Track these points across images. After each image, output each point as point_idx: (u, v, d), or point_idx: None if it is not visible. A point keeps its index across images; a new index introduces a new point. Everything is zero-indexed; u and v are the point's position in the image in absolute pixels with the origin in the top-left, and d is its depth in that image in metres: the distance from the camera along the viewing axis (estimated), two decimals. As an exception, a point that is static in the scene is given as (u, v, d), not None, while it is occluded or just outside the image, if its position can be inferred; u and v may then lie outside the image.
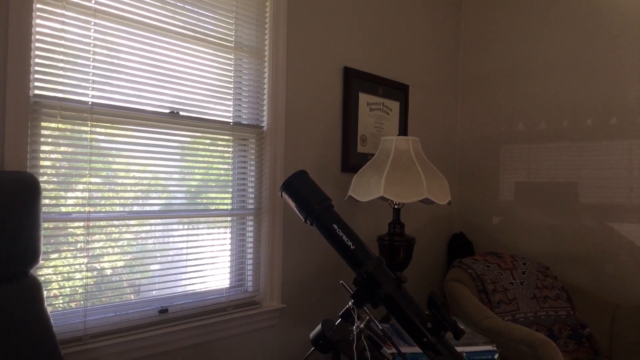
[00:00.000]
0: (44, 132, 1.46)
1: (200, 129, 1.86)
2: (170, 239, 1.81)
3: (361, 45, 2.54)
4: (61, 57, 1.48)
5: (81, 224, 1.55)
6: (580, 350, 2.36)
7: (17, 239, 1.18)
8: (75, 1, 1.51)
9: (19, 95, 1.37)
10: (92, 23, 1.55)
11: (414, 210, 2.93)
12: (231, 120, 1.99)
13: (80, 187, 1.54)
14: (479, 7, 3.24)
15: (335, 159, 2.40)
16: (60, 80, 1.48)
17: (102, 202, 1.60)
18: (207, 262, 1.92)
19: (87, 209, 1.55)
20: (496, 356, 1.73)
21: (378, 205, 2.66)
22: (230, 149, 1.99)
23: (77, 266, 1.54)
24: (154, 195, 1.74)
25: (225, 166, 1.98)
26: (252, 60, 2.06)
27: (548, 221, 2.88)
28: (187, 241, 1.85)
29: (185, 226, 1.85)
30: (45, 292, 1.27)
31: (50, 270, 1.48)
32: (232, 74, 1.98)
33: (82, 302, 1.55)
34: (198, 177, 1.88)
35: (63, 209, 1.51)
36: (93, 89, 1.56)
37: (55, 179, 1.49)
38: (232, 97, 1.99)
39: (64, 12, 1.48)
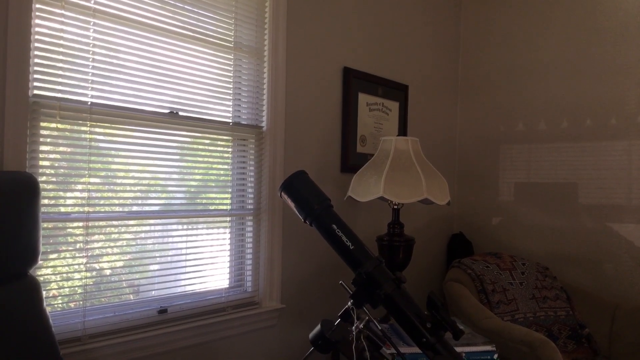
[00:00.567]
0: (43, 132, 1.46)
1: (199, 129, 1.86)
2: (170, 239, 1.81)
3: (361, 46, 2.54)
4: (60, 57, 1.48)
5: (80, 224, 1.54)
6: (579, 351, 2.36)
7: (16, 239, 1.18)
8: (74, 1, 1.50)
9: (18, 95, 1.37)
10: (92, 23, 1.55)
11: (413, 210, 2.93)
12: (230, 121, 1.99)
13: (80, 187, 1.54)
14: (479, 8, 3.24)
15: (335, 159, 2.40)
16: (60, 80, 1.48)
17: (102, 202, 1.60)
18: (206, 262, 1.92)
19: (86, 209, 1.55)
20: (495, 356, 1.73)
21: (377, 205, 2.66)
22: (230, 149, 1.99)
23: (76, 266, 1.53)
24: (153, 195, 1.74)
25: (225, 166, 1.98)
26: (251, 61, 2.06)
27: (547, 221, 2.88)
28: (186, 241, 1.85)
29: (185, 226, 1.85)
30: (44, 292, 1.27)
31: (49, 271, 1.48)
32: (232, 74, 1.98)
33: (81, 302, 1.55)
34: (197, 177, 1.88)
35: (62, 209, 1.51)
36: (92, 89, 1.56)
37: (54, 179, 1.49)
38: (231, 97, 1.99)
39: (63, 12, 1.48)
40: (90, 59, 1.55)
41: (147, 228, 1.73)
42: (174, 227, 1.81)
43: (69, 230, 1.53)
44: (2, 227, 1.15)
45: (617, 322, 2.39)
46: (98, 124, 1.58)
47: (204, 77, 1.88)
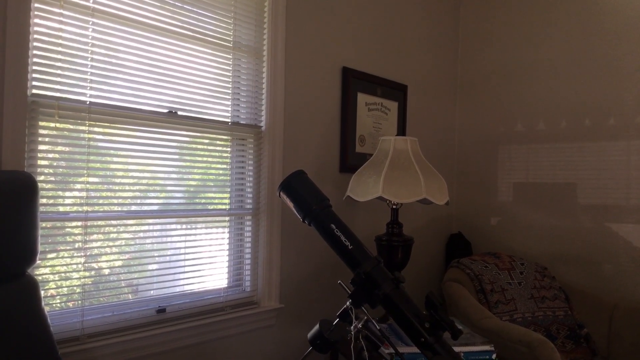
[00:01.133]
0: (41, 131, 1.45)
1: (198, 128, 1.86)
2: (168, 239, 1.81)
3: (360, 46, 2.54)
4: (59, 56, 1.48)
5: (79, 223, 1.54)
6: (578, 351, 2.36)
7: (14, 238, 1.17)
8: (73, 0, 1.50)
9: (16, 95, 1.37)
10: (90, 22, 1.55)
11: (412, 210, 2.93)
12: (229, 120, 1.99)
13: (78, 186, 1.54)
14: (478, 8, 3.25)
15: (334, 159, 2.40)
16: (58, 79, 1.48)
17: (100, 201, 1.59)
18: (205, 262, 1.92)
19: (84, 208, 1.55)
20: (494, 356, 1.73)
21: (376, 205, 2.66)
22: (229, 149, 1.99)
23: (75, 266, 1.53)
24: (152, 195, 1.74)
25: (224, 166, 1.97)
26: (250, 60, 2.06)
27: (546, 221, 2.88)
28: (185, 241, 1.85)
29: (183, 226, 1.85)
30: (42, 292, 1.27)
31: (47, 270, 1.48)
32: (231, 74, 1.98)
33: (79, 301, 1.55)
34: (196, 176, 1.88)
35: (61, 209, 1.51)
36: (91, 88, 1.56)
37: (52, 179, 1.48)
38: (230, 97, 1.98)
39: (62, 11, 1.48)
40: (89, 59, 1.55)
41: (146, 227, 1.73)
42: (173, 226, 1.81)
43: (67, 229, 1.52)
44: (1, 227, 1.15)
45: (616, 322, 2.39)
46: (97, 123, 1.58)
47: (203, 76, 1.88)
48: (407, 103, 2.85)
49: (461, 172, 3.31)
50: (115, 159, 1.63)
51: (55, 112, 1.47)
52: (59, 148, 1.50)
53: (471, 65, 3.27)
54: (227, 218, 1.99)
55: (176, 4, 1.79)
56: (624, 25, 2.62)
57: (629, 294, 2.55)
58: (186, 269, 1.85)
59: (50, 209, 1.48)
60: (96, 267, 1.61)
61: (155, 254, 1.77)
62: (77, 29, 1.52)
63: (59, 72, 1.48)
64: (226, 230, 2.00)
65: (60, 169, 1.50)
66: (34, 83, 1.43)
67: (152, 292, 1.76)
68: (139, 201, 1.70)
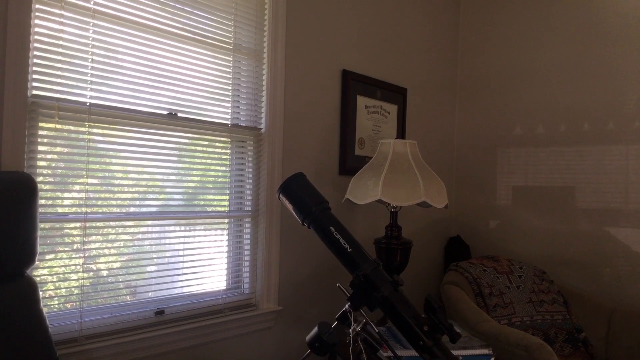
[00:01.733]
0: (41, 132, 1.45)
1: (198, 130, 1.86)
2: (167, 241, 1.81)
3: (360, 48, 2.54)
4: (59, 57, 1.48)
5: (78, 224, 1.54)
6: (576, 355, 2.36)
7: (13, 239, 1.17)
8: (73, 2, 1.51)
9: (16, 96, 1.37)
10: (91, 24, 1.55)
11: (411, 213, 2.93)
12: (229, 122, 1.99)
13: (77, 187, 1.54)
14: (478, 11, 3.26)
15: (333, 161, 2.41)
16: (58, 80, 1.48)
17: (99, 203, 1.59)
18: (203, 264, 1.92)
19: (83, 209, 1.55)
20: (492, 360, 1.73)
21: (375, 208, 2.66)
22: (228, 151, 1.99)
23: (74, 267, 1.53)
24: (151, 196, 1.74)
25: (223, 168, 1.98)
26: (250, 62, 2.06)
27: (545, 225, 2.88)
28: (184, 243, 1.85)
29: (182, 228, 1.85)
30: (41, 293, 1.27)
31: (46, 271, 1.47)
32: (231, 76, 1.98)
33: (78, 303, 1.55)
34: (195, 178, 1.88)
35: (60, 210, 1.51)
36: (91, 89, 1.56)
37: (52, 180, 1.48)
38: (230, 99, 1.99)
39: (62, 12, 1.48)
40: (89, 60, 1.55)
41: (145, 229, 1.73)
42: (172, 228, 1.81)
43: (66, 230, 1.52)
44: (0, 227, 1.15)
45: (614, 326, 2.40)
46: (96, 124, 1.58)
47: (202, 78, 1.88)
48: (406, 106, 2.85)
49: (460, 176, 3.31)
50: (114, 160, 1.63)
51: (55, 113, 1.47)
52: (59, 149, 1.50)
53: (471, 68, 3.28)
54: (226, 220, 1.99)
55: (176, 5, 1.79)
56: (624, 29, 2.63)
57: (627, 298, 2.55)
58: (185, 270, 1.85)
59: (50, 209, 1.48)
60: (95, 268, 1.61)
61: (154, 256, 1.77)
62: (77, 30, 1.52)
63: (59, 73, 1.48)
64: (225, 232, 2.00)
65: (60, 170, 1.50)
66: (34, 84, 1.43)
67: (150, 293, 1.76)
68: (138, 203, 1.70)
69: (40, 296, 1.24)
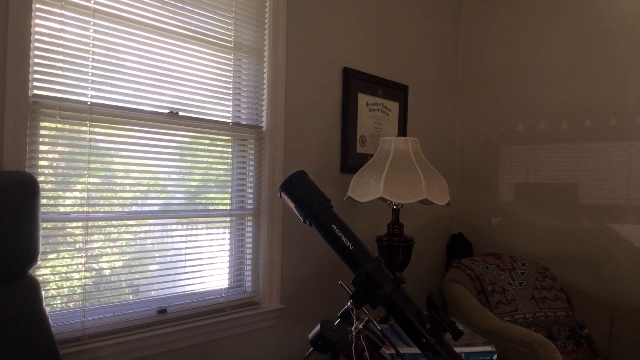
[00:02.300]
0: (42, 132, 1.46)
1: (199, 129, 1.86)
2: (169, 239, 1.81)
3: (361, 46, 2.54)
4: (60, 57, 1.48)
5: (80, 224, 1.54)
6: (579, 351, 2.36)
7: (15, 239, 1.18)
8: (74, 1, 1.50)
9: (18, 95, 1.37)
10: (91, 23, 1.55)
11: (413, 211, 2.93)
12: (230, 121, 1.99)
13: (79, 187, 1.54)
14: (479, 9, 3.25)
15: (335, 159, 2.40)
16: (60, 80, 1.48)
17: (101, 202, 1.59)
18: (206, 263, 1.92)
19: (85, 209, 1.55)
20: (495, 357, 1.73)
21: (377, 205, 2.66)
22: (230, 149, 1.99)
23: (76, 266, 1.53)
24: (153, 195, 1.74)
25: (225, 166, 1.98)
26: (251, 61, 2.06)
27: (547, 222, 2.88)
28: (186, 241, 1.85)
29: (184, 226, 1.85)
30: (43, 292, 1.27)
31: (48, 271, 1.48)
32: (232, 74, 1.98)
33: (80, 302, 1.55)
34: (197, 177, 1.88)
35: (61, 209, 1.51)
36: (92, 88, 1.56)
37: (53, 179, 1.48)
38: (231, 98, 1.98)
39: (63, 12, 1.48)
40: (90, 59, 1.55)
41: (147, 228, 1.73)
42: (174, 227, 1.81)
43: (68, 230, 1.52)
44: (2, 227, 1.15)
45: (617, 322, 2.39)
46: (98, 123, 1.58)
47: (203, 77, 1.88)
48: (407, 103, 2.85)
49: (462, 173, 3.31)
50: (116, 160, 1.63)
51: (57, 112, 1.47)
52: (60, 148, 1.50)
53: (472, 65, 3.27)
54: (228, 218, 1.99)
55: (177, 4, 1.79)
56: (625, 25, 2.62)
57: (630, 294, 2.55)
58: (187, 269, 1.85)
59: (51, 209, 1.48)
60: (97, 267, 1.61)
61: (156, 255, 1.77)
62: (78, 30, 1.52)
63: (60, 72, 1.48)
64: (227, 230, 2.00)
65: (61, 170, 1.50)
66: (35, 84, 1.43)
67: (153, 292, 1.76)
68: (139, 202, 1.70)
69: (43, 296, 1.24)
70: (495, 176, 3.13)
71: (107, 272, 1.64)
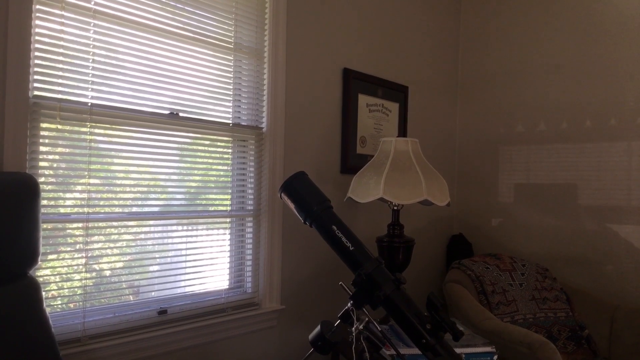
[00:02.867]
0: (43, 132, 1.46)
1: (199, 130, 1.86)
2: (170, 240, 1.81)
3: (361, 47, 2.54)
4: (60, 58, 1.48)
5: (80, 225, 1.54)
6: (579, 352, 2.36)
7: (16, 239, 1.18)
8: (74, 2, 1.51)
9: (18, 96, 1.37)
10: (92, 24, 1.55)
11: (413, 211, 2.93)
12: (230, 122, 1.99)
13: (79, 188, 1.54)
14: (479, 9, 3.25)
15: (335, 160, 2.41)
16: (60, 81, 1.48)
17: (101, 203, 1.60)
18: (206, 263, 1.92)
19: (86, 210, 1.55)
20: (495, 357, 1.73)
21: (377, 206, 2.66)
22: (230, 150, 1.99)
23: (76, 267, 1.53)
24: (153, 196, 1.74)
25: (225, 167, 1.98)
26: (251, 61, 2.06)
27: (547, 222, 2.88)
28: (186, 242, 1.85)
29: (185, 227, 1.85)
30: (44, 293, 1.27)
31: (48, 271, 1.48)
32: (232, 75, 1.98)
33: (81, 303, 1.55)
34: (197, 178, 1.88)
35: (62, 210, 1.51)
36: (92, 89, 1.56)
37: (54, 180, 1.49)
38: (231, 98, 1.99)
39: (63, 13, 1.48)
40: (91, 60, 1.56)
41: (147, 229, 1.73)
42: (174, 228, 1.81)
43: (68, 231, 1.53)
44: (2, 228, 1.15)
45: (617, 323, 2.39)
46: (98, 124, 1.58)
47: (203, 78, 1.88)
48: (408, 104, 2.85)
49: (462, 173, 3.31)
50: (116, 161, 1.63)
51: (57, 113, 1.47)
52: (60, 149, 1.50)
53: (472, 66, 3.27)
54: (228, 219, 1.99)
55: (177, 5, 1.79)
56: (625, 26, 2.62)
57: (630, 295, 2.55)
58: (187, 270, 1.85)
59: (52, 210, 1.48)
60: (97, 268, 1.61)
61: (157, 256, 1.77)
62: (78, 31, 1.52)
63: (60, 73, 1.48)
64: (227, 231, 2.00)
65: (62, 170, 1.50)
66: (36, 84, 1.43)
67: (153, 293, 1.76)
68: (140, 202, 1.70)
69: (43, 296, 1.24)
70: (495, 177, 3.13)
71: (108, 273, 1.64)
